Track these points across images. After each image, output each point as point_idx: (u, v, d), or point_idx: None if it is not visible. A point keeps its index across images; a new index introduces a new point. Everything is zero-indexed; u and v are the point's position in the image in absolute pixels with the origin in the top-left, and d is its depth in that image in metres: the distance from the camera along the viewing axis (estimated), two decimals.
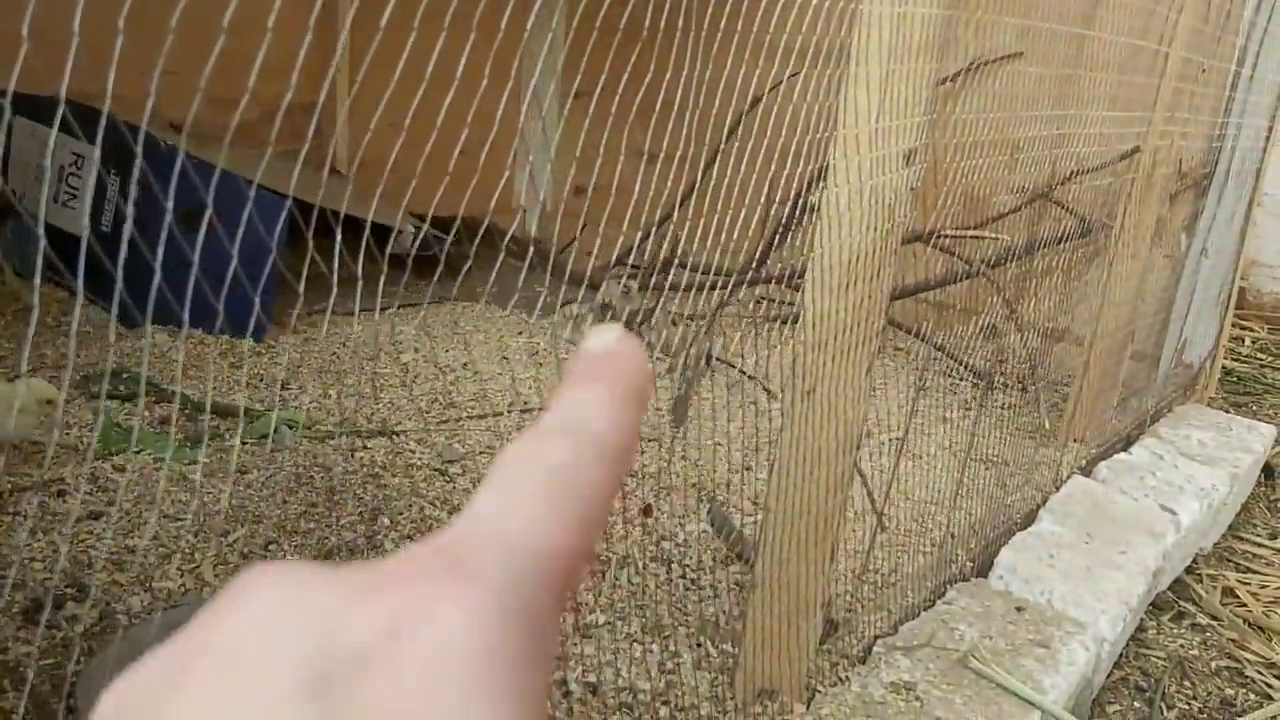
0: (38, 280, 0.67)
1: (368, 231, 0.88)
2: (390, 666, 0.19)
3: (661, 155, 1.20)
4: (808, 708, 1.61)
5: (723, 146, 1.28)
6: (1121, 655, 2.25)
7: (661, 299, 2.52)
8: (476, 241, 1.01)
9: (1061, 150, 2.11)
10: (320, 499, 2.06)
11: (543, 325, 3.15)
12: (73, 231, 2.70)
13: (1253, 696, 2.23)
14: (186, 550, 1.83)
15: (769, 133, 1.32)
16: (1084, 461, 2.69)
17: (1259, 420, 3.36)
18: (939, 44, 1.37)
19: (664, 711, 1.59)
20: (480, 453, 2.35)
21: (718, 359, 2.51)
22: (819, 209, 1.35)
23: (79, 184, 2.73)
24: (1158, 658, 2.31)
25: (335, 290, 0.75)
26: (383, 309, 2.98)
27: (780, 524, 1.49)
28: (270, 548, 1.88)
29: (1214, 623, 2.48)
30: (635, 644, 1.73)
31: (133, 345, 2.57)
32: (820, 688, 1.66)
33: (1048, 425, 2.65)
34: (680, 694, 1.63)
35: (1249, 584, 2.68)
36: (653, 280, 2.90)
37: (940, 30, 1.36)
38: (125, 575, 1.73)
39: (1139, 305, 2.79)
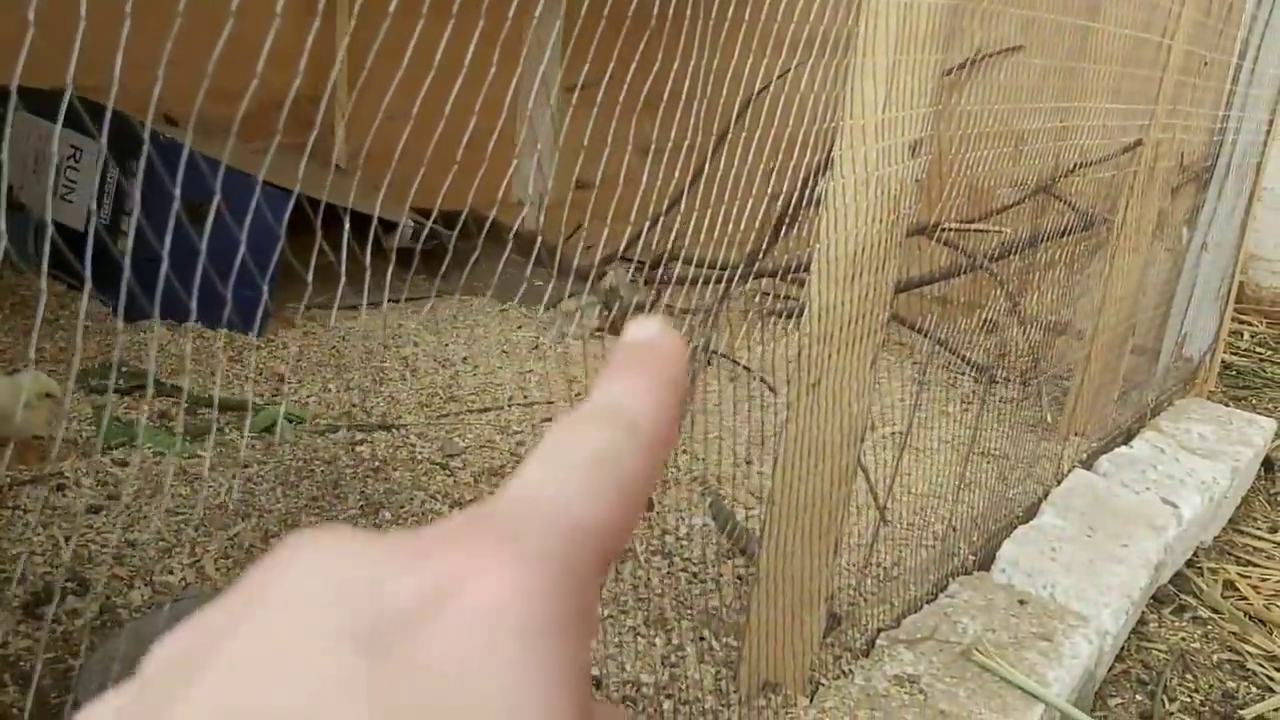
0: (44, 269, 0.66)
1: (375, 224, 0.87)
2: (441, 624, 0.19)
3: (669, 145, 1.20)
4: (811, 701, 1.61)
5: (728, 137, 1.27)
6: (1123, 648, 2.25)
7: (664, 292, 2.52)
8: (483, 235, 1.00)
9: (1065, 143, 2.10)
10: (322, 493, 2.05)
11: (544, 319, 3.15)
12: (68, 224, 2.69)
13: (1254, 689, 2.23)
14: (188, 544, 1.82)
15: (775, 124, 1.31)
16: (1085, 455, 2.69)
17: (1259, 414, 3.36)
18: (945, 34, 1.37)
19: (667, 705, 1.59)
20: (482, 446, 2.34)
21: (719, 353, 2.50)
22: (824, 200, 1.34)
23: (77, 176, 2.72)
24: (1159, 650, 2.31)
25: (343, 282, 0.75)
26: (379, 302, 2.97)
27: (784, 517, 1.49)
28: (272, 541, 1.87)
29: (1215, 616, 2.48)
30: (638, 637, 1.72)
31: (130, 339, 2.56)
32: (824, 681, 1.66)
33: (1049, 419, 2.65)
34: (684, 687, 1.63)
35: (1249, 577, 2.68)
36: (658, 274, 2.89)
37: (946, 20, 1.35)
38: (126, 569, 1.73)
39: (1140, 299, 2.79)
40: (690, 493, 2.19)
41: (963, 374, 2.91)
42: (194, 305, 0.75)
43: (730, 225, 1.34)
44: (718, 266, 1.80)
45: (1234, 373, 4.27)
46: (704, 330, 2.38)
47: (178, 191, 0.71)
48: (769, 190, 1.34)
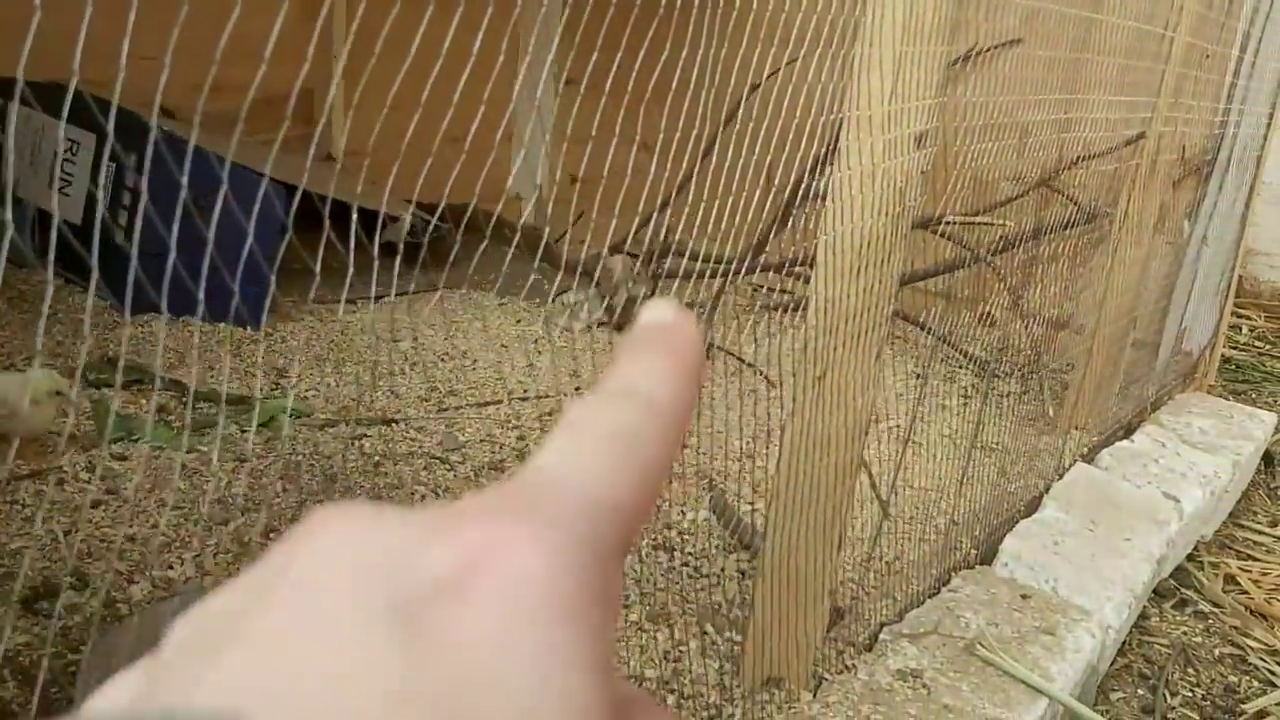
0: (50, 259, 0.65)
1: (380, 220, 0.86)
2: (472, 596, 0.19)
3: (676, 138, 1.19)
4: (814, 695, 1.60)
5: (728, 129, 1.26)
6: (1125, 643, 2.25)
7: (663, 286, 2.51)
8: (489, 229, 0.99)
9: (1069, 135, 2.09)
10: (321, 487, 2.05)
11: (550, 309, 3.13)
12: (66, 217, 2.68)
13: (1256, 683, 2.23)
14: (187, 538, 1.81)
15: (775, 116, 1.30)
16: (1085, 449, 2.68)
17: (1259, 408, 3.36)
18: (950, 25, 1.36)
19: (671, 699, 1.58)
20: (483, 441, 2.34)
21: (718, 347, 2.50)
22: (830, 193, 1.34)
23: (74, 170, 2.70)
24: (1161, 645, 2.31)
25: (352, 273, 0.74)
26: (380, 297, 2.96)
27: (788, 511, 1.48)
28: (273, 536, 1.87)
29: (1216, 610, 2.48)
30: (640, 631, 1.72)
31: (129, 333, 2.55)
32: (827, 675, 1.65)
33: (1051, 413, 2.64)
34: (686, 682, 1.62)
35: (1250, 571, 2.68)
36: (659, 267, 2.88)
37: (952, 11, 1.35)
38: (126, 564, 1.72)
39: (1141, 292, 2.78)
40: (691, 487, 2.18)
41: (962, 368, 2.91)
42: (201, 297, 0.74)
43: (728, 219, 1.33)
44: (715, 260, 1.79)
45: (1233, 367, 4.27)
46: (703, 324, 2.38)
47: (185, 180, 0.70)
48: (773, 183, 1.33)
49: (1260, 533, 2.91)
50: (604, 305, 2.94)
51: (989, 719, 1.60)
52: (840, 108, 1.32)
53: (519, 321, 3.11)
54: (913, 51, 1.30)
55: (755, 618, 1.56)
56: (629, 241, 2.84)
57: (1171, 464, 2.68)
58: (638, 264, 2.90)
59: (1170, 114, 2.48)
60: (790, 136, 1.35)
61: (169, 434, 2.16)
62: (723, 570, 1.96)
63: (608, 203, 1.20)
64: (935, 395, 2.74)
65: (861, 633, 1.77)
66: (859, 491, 1.93)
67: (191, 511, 1.89)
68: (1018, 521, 2.25)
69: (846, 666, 1.68)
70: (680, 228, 1.35)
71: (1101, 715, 1.94)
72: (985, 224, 2.15)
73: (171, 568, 1.74)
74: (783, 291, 2.88)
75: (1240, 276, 4.34)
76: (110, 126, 0.67)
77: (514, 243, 1.06)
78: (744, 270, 2.31)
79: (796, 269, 2.71)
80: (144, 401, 2.27)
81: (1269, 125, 3.47)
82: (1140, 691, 2.15)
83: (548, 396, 2.57)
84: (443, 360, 2.75)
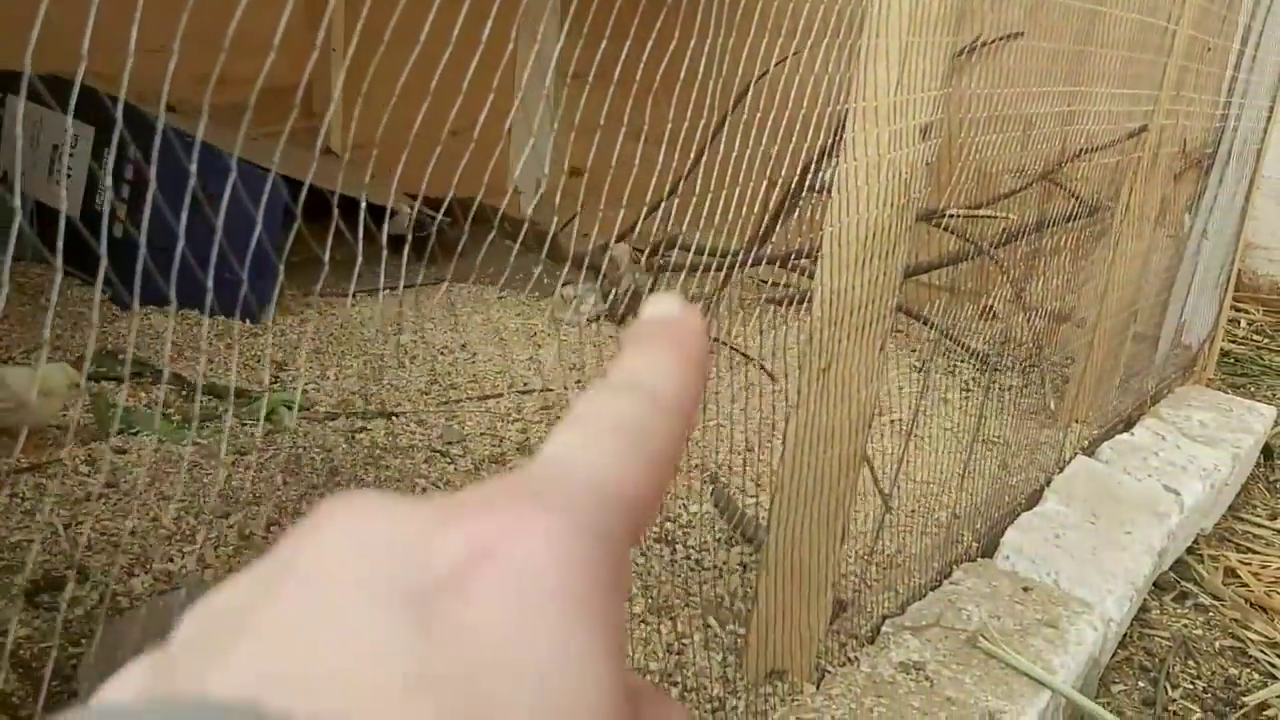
0: (59, 249, 0.65)
1: (388, 213, 0.86)
2: (483, 585, 0.19)
3: (684, 129, 1.18)
4: (817, 688, 1.60)
5: (729, 120, 1.26)
6: (1126, 635, 2.25)
7: (664, 279, 2.51)
8: (497, 223, 0.98)
9: (1072, 128, 2.09)
10: (320, 480, 2.04)
11: (552, 302, 3.13)
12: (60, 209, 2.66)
13: (1256, 676, 2.24)
14: (189, 532, 1.81)
15: (775, 108, 1.30)
16: (1086, 442, 2.68)
17: (1258, 401, 3.36)
18: (956, 15, 1.35)
19: (674, 692, 1.58)
20: (482, 434, 2.33)
21: (720, 340, 2.49)
22: (836, 184, 1.33)
23: (73, 163, 2.69)
24: (1161, 638, 2.31)
25: (360, 264, 0.74)
26: (386, 289, 2.95)
27: (792, 503, 1.48)
28: (272, 529, 1.86)
29: (1216, 603, 2.49)
30: (643, 624, 1.72)
31: (127, 325, 2.54)
32: (830, 668, 1.65)
33: (1052, 406, 2.64)
34: (689, 674, 1.62)
35: (1250, 564, 2.68)
36: (669, 259, 2.87)
37: (958, 1, 1.34)
38: (126, 557, 1.71)
39: (1142, 286, 2.78)
40: (693, 480, 2.18)
41: (963, 361, 2.91)
42: (209, 287, 0.74)
43: (734, 211, 1.32)
44: (718, 253, 1.78)
45: (1232, 360, 4.27)
46: (707, 318, 2.37)
47: (193, 170, 0.69)
48: (779, 174, 1.32)
49: (1260, 526, 2.91)
50: (606, 298, 2.94)
51: (992, 711, 1.60)
52: (846, 99, 1.31)
53: (520, 314, 3.11)
54: (918, 42, 1.30)
55: (758, 610, 1.56)
56: (635, 234, 2.83)
57: (1171, 457, 2.68)
58: (642, 257, 2.90)
59: (1172, 107, 2.47)
60: (796, 128, 1.34)
61: (169, 427, 2.15)
62: (725, 563, 1.96)
63: (613, 195, 1.19)
64: (937, 389, 2.74)
65: (864, 625, 1.77)
66: (860, 485, 1.93)
67: (193, 505, 1.88)
68: (1019, 514, 2.25)
69: (849, 659, 1.68)
70: (686, 220, 1.35)
71: (1103, 707, 1.94)
72: (988, 217, 2.15)
73: (172, 560, 1.74)
74: (786, 285, 2.88)
75: (1239, 270, 4.34)
76: (119, 118, 0.66)
77: (519, 238, 1.06)
78: (748, 263, 2.31)
79: (800, 262, 2.71)
80: (143, 395, 2.26)
81: (1269, 119, 3.47)
82: (1141, 684, 2.16)
83: (549, 389, 2.57)
84: (443, 353, 2.75)
